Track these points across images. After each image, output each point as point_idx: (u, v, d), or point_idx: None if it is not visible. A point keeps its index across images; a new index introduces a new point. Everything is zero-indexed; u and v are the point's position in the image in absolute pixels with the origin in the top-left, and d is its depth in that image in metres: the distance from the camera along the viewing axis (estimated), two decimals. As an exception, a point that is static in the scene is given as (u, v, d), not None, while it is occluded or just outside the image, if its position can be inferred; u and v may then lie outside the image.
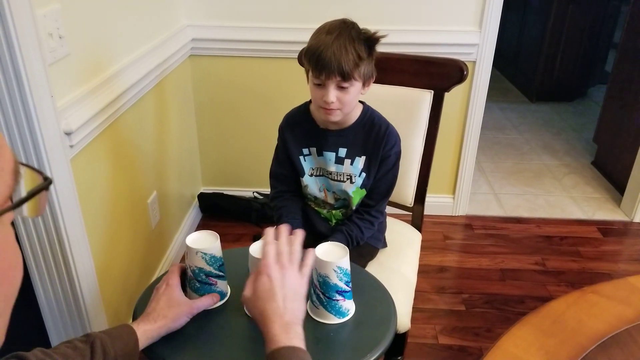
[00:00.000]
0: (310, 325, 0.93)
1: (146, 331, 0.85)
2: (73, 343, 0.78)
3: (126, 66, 1.56)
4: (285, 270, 0.80)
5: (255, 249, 0.92)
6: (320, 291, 0.90)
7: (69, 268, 1.31)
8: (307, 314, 0.95)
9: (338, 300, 0.87)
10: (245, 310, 0.84)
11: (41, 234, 1.26)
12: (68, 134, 1.23)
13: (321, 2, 2.08)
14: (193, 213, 2.38)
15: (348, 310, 0.94)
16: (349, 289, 0.91)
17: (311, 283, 0.92)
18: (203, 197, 2.44)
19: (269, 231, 0.86)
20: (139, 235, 1.76)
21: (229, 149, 2.45)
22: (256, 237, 1.59)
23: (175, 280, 0.94)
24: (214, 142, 2.44)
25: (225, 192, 2.48)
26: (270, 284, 0.78)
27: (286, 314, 0.76)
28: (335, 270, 0.87)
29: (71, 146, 1.26)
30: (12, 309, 0.43)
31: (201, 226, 2.42)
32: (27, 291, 1.34)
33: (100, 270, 1.45)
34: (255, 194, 2.43)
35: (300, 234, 0.86)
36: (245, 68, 2.24)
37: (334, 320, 0.92)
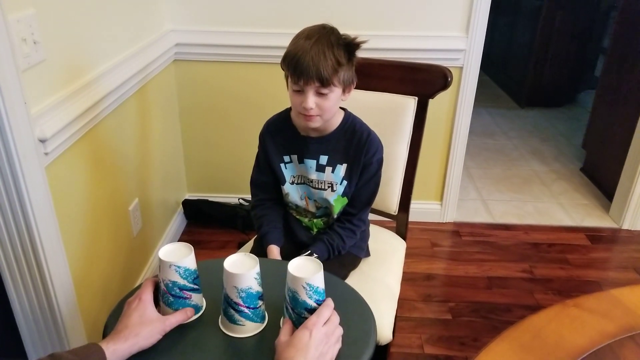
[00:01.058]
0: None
1: (116, 350, 0.82)
2: None
3: (106, 71, 1.53)
4: (328, 338, 0.83)
5: (229, 263, 0.89)
6: (290, 306, 0.87)
7: (44, 278, 1.28)
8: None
9: (307, 317, 0.85)
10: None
11: (15, 243, 1.22)
12: (43, 141, 1.20)
13: (306, 7, 2.07)
14: (178, 220, 2.35)
15: None
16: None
17: (284, 296, 0.89)
18: (188, 204, 2.41)
19: (330, 302, 0.89)
20: (119, 243, 1.73)
21: (214, 154, 2.42)
22: (241, 244, 1.56)
23: (148, 296, 0.91)
24: (199, 147, 2.41)
25: (210, 199, 2.45)
26: (309, 340, 0.81)
27: None
28: (304, 287, 0.84)
29: (46, 153, 1.23)
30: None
31: (186, 233, 2.39)
32: (2, 301, 1.31)
33: (78, 279, 1.42)
34: (241, 201, 2.40)
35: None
36: (230, 73, 2.22)
37: None
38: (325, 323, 0.85)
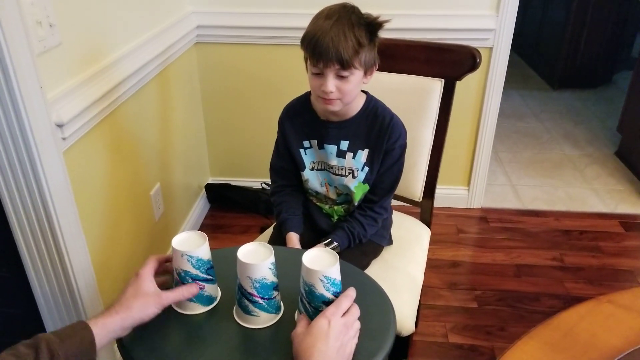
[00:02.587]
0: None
1: (105, 324, 0.79)
2: (17, 349, 0.72)
3: (125, 55, 1.51)
4: (347, 329, 0.80)
5: (243, 252, 0.86)
6: (306, 300, 0.84)
7: (64, 263, 1.28)
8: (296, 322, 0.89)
9: None
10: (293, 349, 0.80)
11: (34, 228, 1.22)
12: (60, 126, 1.19)
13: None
14: (201, 204, 2.35)
15: None
16: None
17: (299, 290, 0.86)
18: (210, 188, 2.40)
19: (352, 292, 0.85)
20: (141, 228, 1.73)
21: (237, 138, 2.40)
22: (264, 229, 1.54)
23: (146, 271, 0.87)
24: (222, 131, 2.39)
25: (232, 183, 2.43)
26: (328, 329, 0.78)
27: None
28: (321, 280, 0.81)
29: (64, 138, 1.22)
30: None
31: (209, 217, 2.38)
32: (24, 286, 1.32)
33: (98, 264, 1.42)
34: (264, 185, 2.38)
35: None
36: (253, 55, 2.18)
37: None
38: (344, 314, 0.81)
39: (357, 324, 0.83)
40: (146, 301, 0.83)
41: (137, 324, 0.83)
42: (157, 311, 0.84)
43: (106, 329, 0.79)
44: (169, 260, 0.94)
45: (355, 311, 0.83)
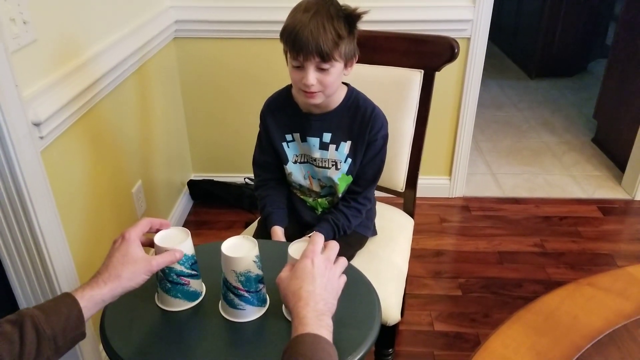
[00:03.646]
0: (284, 324, 0.88)
1: (93, 297, 0.76)
2: (1, 326, 0.68)
3: (102, 51, 1.49)
4: (329, 264, 0.80)
5: (227, 246, 0.86)
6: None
7: (45, 264, 1.26)
8: (282, 313, 0.90)
9: None
10: (281, 298, 0.80)
11: (14, 229, 1.20)
12: (37, 124, 1.17)
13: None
14: (183, 200, 2.33)
15: None
16: None
17: None
18: (193, 184, 2.38)
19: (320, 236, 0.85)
20: (123, 226, 1.71)
21: (219, 133, 2.39)
22: (248, 224, 1.54)
23: (134, 234, 0.83)
24: (203, 127, 2.37)
25: (215, 179, 2.42)
26: (312, 268, 0.78)
27: (320, 302, 0.74)
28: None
29: (41, 137, 1.20)
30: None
31: (192, 214, 2.37)
32: (4, 287, 1.30)
33: (80, 264, 1.41)
34: (247, 180, 2.37)
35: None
36: (233, 50, 2.17)
37: None
38: (324, 252, 0.82)
39: (343, 261, 0.83)
40: (136, 268, 0.80)
41: (127, 292, 0.80)
42: (146, 278, 0.81)
43: (94, 301, 0.76)
44: (163, 227, 0.91)
45: (334, 246, 0.84)
